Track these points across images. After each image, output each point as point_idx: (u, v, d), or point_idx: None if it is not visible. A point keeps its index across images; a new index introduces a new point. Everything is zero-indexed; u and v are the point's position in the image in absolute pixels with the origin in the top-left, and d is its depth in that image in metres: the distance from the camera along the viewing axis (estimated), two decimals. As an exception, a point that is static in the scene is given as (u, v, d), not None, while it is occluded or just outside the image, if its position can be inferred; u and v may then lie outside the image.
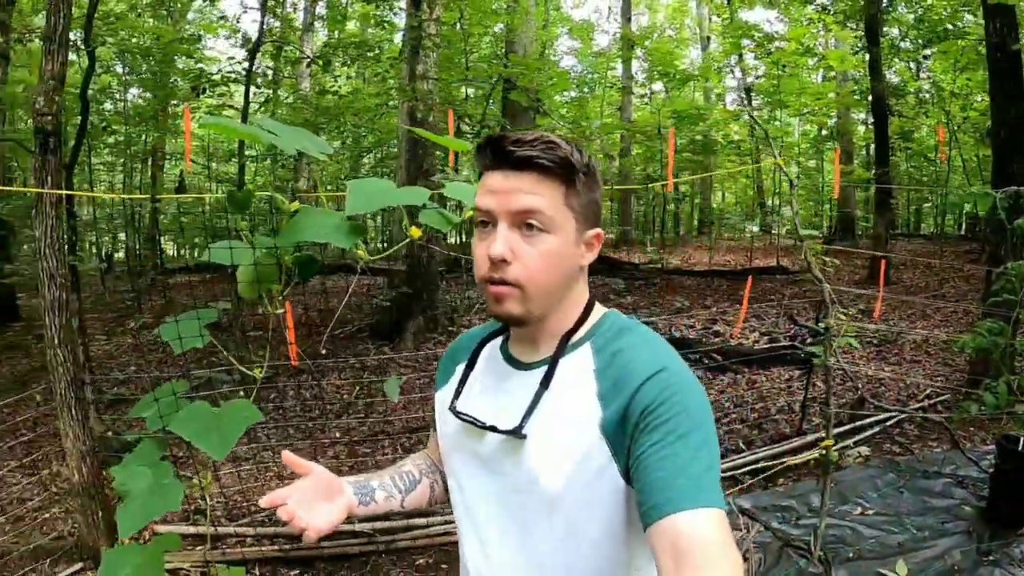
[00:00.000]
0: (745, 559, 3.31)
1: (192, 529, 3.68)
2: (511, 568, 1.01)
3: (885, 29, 10.23)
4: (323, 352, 7.02)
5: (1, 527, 4.11)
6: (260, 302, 1.73)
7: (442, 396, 1.17)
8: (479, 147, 0.98)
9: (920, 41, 10.27)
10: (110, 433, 5.04)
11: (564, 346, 1.01)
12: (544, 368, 1.00)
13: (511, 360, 1.08)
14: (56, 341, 3.39)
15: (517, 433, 0.96)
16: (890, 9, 9.57)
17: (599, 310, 1.06)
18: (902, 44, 10.70)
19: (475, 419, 1.03)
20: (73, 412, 3.41)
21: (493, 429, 0.99)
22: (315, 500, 1.02)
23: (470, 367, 1.13)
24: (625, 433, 0.90)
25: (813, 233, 3.12)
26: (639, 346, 0.97)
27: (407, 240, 1.77)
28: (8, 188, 8.93)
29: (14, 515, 4.33)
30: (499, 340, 1.14)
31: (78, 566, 3.55)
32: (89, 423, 3.59)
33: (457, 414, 1.06)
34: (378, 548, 3.57)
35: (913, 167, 14.05)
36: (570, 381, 0.98)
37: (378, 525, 3.63)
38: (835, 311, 3.02)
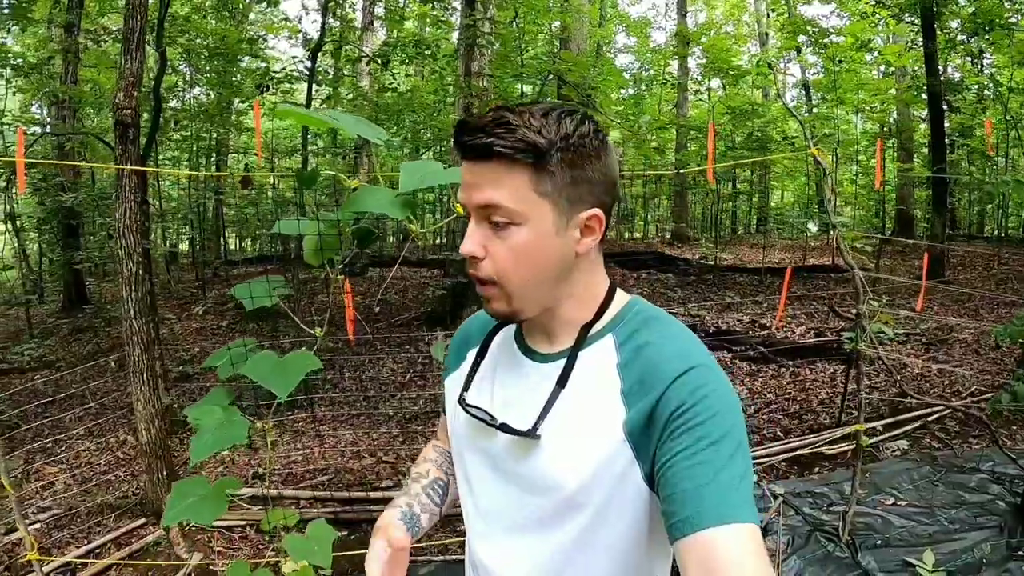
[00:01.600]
0: (769, 536, 3.42)
1: (251, 491, 3.98)
2: (522, 572, 0.96)
3: (944, 22, 9.99)
4: (380, 335, 7.32)
5: (69, 487, 4.50)
6: (322, 269, 1.96)
7: (451, 384, 1.11)
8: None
9: (975, 34, 9.95)
10: (175, 406, 5.42)
11: (583, 338, 0.94)
12: (562, 362, 0.93)
13: (526, 350, 1.01)
14: (132, 313, 3.74)
15: (531, 434, 0.90)
16: (947, 1, 9.33)
17: (622, 297, 0.98)
18: (959, 37, 10.38)
19: (486, 415, 0.96)
20: (145, 378, 3.74)
21: (504, 428, 0.93)
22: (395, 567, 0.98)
23: (481, 355, 1.06)
24: (651, 436, 0.84)
25: (844, 220, 3.18)
26: (667, 339, 0.90)
27: (453, 216, 1.97)
28: (98, 165, 9.47)
29: (81, 476, 4.72)
30: (514, 327, 1.05)
31: (140, 521, 3.88)
32: (159, 390, 3.92)
33: (467, 408, 1.00)
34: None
35: (975, 165, 13.65)
36: (590, 377, 0.91)
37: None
38: (867, 298, 3.10)
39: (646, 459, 0.85)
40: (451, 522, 3.64)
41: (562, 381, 0.91)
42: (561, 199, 0.87)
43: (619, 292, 0.99)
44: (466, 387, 1.04)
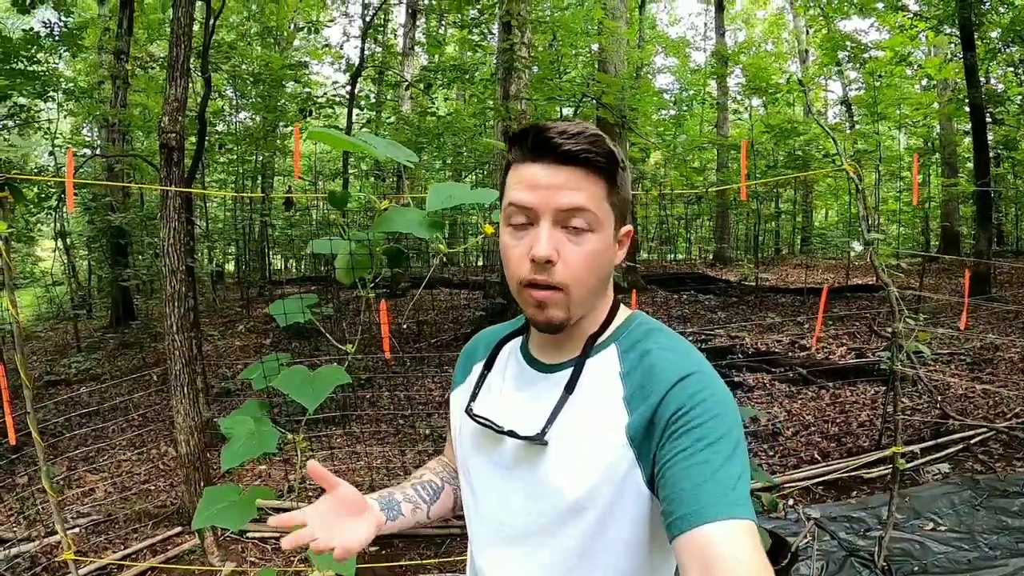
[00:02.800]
0: (802, 561, 3.37)
1: (284, 504, 4.05)
2: None
3: (984, 32, 9.79)
4: (416, 355, 7.41)
5: (109, 494, 4.65)
6: (355, 288, 2.02)
7: (458, 397, 1.13)
8: (515, 136, 0.93)
9: (1011, 43, 9.72)
10: (215, 420, 5.57)
11: (590, 348, 0.97)
12: (568, 371, 0.97)
13: (533, 362, 1.04)
14: (175, 328, 3.87)
15: (538, 439, 0.92)
16: (987, 11, 9.15)
17: (623, 311, 1.03)
18: (1000, 47, 10.16)
19: (492, 423, 0.99)
20: (186, 391, 3.87)
21: (512, 434, 0.96)
22: (339, 518, 0.98)
23: (488, 367, 1.09)
24: (651, 439, 0.87)
25: (880, 236, 3.15)
26: (667, 348, 0.93)
27: (481, 236, 2.02)
28: (145, 186, 9.83)
29: (121, 485, 4.88)
30: (519, 340, 1.09)
31: (177, 529, 3.99)
32: (199, 403, 4.05)
33: (473, 417, 1.02)
34: (452, 531, 3.82)
35: (1021, 179, 13.31)
36: (595, 384, 0.94)
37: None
38: (903, 316, 3.06)
39: (647, 462, 0.87)
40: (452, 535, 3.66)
41: (570, 387, 0.94)
42: (619, 213, 0.94)
43: (622, 307, 1.03)
44: (473, 398, 1.06)
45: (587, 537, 0.91)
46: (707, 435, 0.82)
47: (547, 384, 0.98)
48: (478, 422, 1.01)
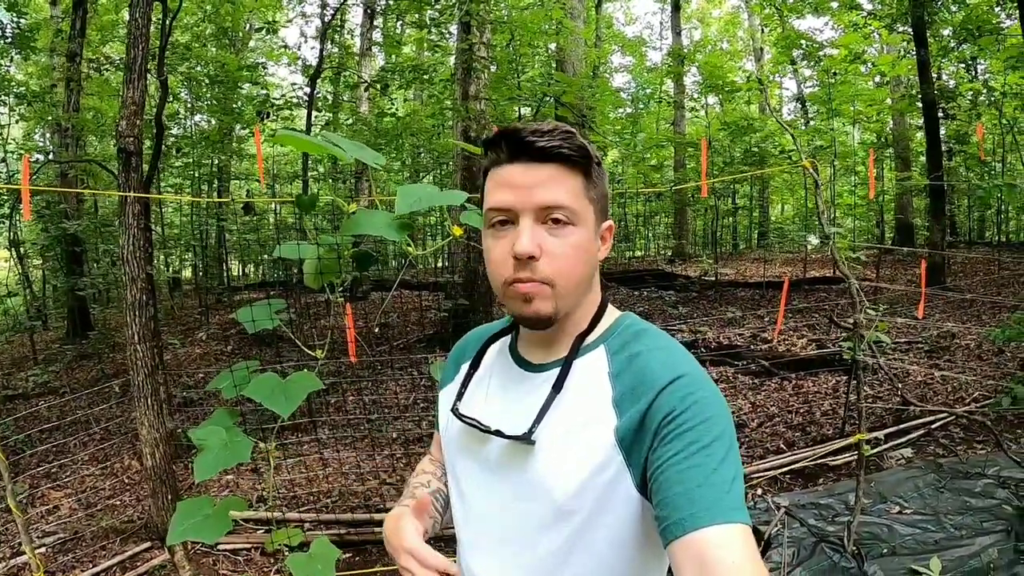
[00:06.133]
0: (774, 548, 3.42)
1: (256, 514, 3.99)
2: None
3: (936, 31, 10.08)
4: (382, 358, 7.35)
5: (74, 511, 4.53)
6: (323, 292, 1.99)
7: (445, 396, 1.13)
8: (490, 141, 0.93)
9: (965, 41, 10.04)
10: (179, 430, 5.45)
11: (578, 347, 0.96)
12: (556, 371, 0.96)
13: (520, 361, 1.03)
14: (136, 338, 3.78)
15: (526, 439, 0.92)
16: (939, 10, 9.42)
17: (613, 312, 1.02)
18: (951, 44, 10.47)
19: (478, 423, 0.98)
20: (150, 402, 3.78)
21: (499, 434, 0.95)
22: None
23: (474, 367, 1.09)
24: (642, 442, 0.86)
25: (839, 230, 3.22)
26: (656, 350, 0.93)
27: (450, 238, 2.01)
28: (101, 192, 9.58)
29: (86, 501, 4.75)
30: (507, 339, 1.09)
31: (146, 545, 3.90)
32: (163, 414, 3.95)
33: (460, 416, 1.02)
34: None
35: (972, 172, 13.75)
36: (583, 385, 0.93)
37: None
38: (863, 307, 3.12)
39: (637, 466, 0.86)
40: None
41: (558, 386, 0.93)
42: (597, 207, 0.95)
43: (610, 307, 1.02)
44: (459, 397, 1.06)
45: (575, 538, 0.90)
46: (700, 438, 0.82)
47: (535, 384, 0.98)
48: (464, 422, 1.00)
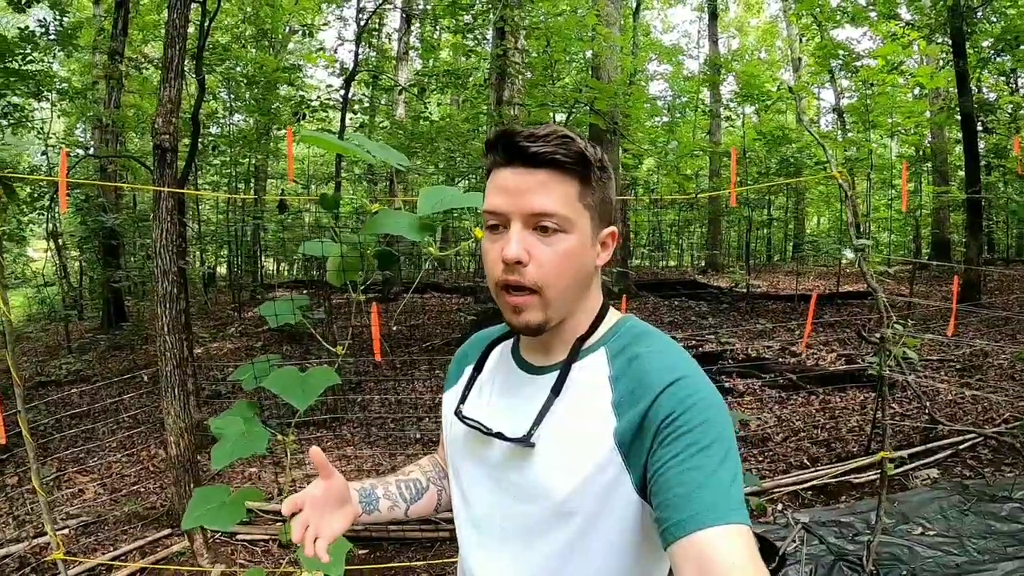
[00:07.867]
0: (791, 565, 3.38)
1: (273, 506, 4.04)
2: None
3: (976, 41, 9.87)
4: (408, 359, 7.41)
5: (99, 495, 4.64)
6: (346, 290, 2.03)
7: (449, 398, 1.14)
8: (490, 143, 0.94)
9: (1001, 52, 9.80)
10: (205, 422, 5.56)
11: (577, 351, 0.97)
12: (556, 373, 0.96)
13: (522, 364, 1.04)
14: (166, 329, 3.87)
15: (525, 441, 0.93)
16: (978, 21, 9.23)
17: (614, 314, 1.03)
18: (991, 56, 10.24)
19: (481, 425, 0.99)
20: (176, 392, 3.86)
21: (500, 436, 0.96)
22: (325, 506, 1.02)
23: (478, 370, 1.10)
24: (642, 445, 0.86)
25: (868, 242, 3.18)
26: (656, 352, 0.93)
27: (471, 239, 2.03)
28: (139, 187, 9.82)
29: (111, 486, 4.87)
30: (510, 342, 1.10)
31: (167, 531, 3.99)
32: (189, 405, 4.04)
33: (462, 419, 1.03)
34: (441, 535, 3.82)
35: (1011, 187, 13.43)
36: (583, 388, 0.94)
37: (444, 513, 3.90)
38: (891, 322, 3.08)
39: (637, 468, 0.87)
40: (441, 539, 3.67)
41: (556, 390, 0.94)
42: (596, 213, 0.94)
43: (611, 310, 1.03)
44: (462, 400, 1.07)
45: (575, 540, 0.91)
46: (699, 440, 0.82)
47: (535, 386, 0.99)
48: (467, 424, 1.02)
